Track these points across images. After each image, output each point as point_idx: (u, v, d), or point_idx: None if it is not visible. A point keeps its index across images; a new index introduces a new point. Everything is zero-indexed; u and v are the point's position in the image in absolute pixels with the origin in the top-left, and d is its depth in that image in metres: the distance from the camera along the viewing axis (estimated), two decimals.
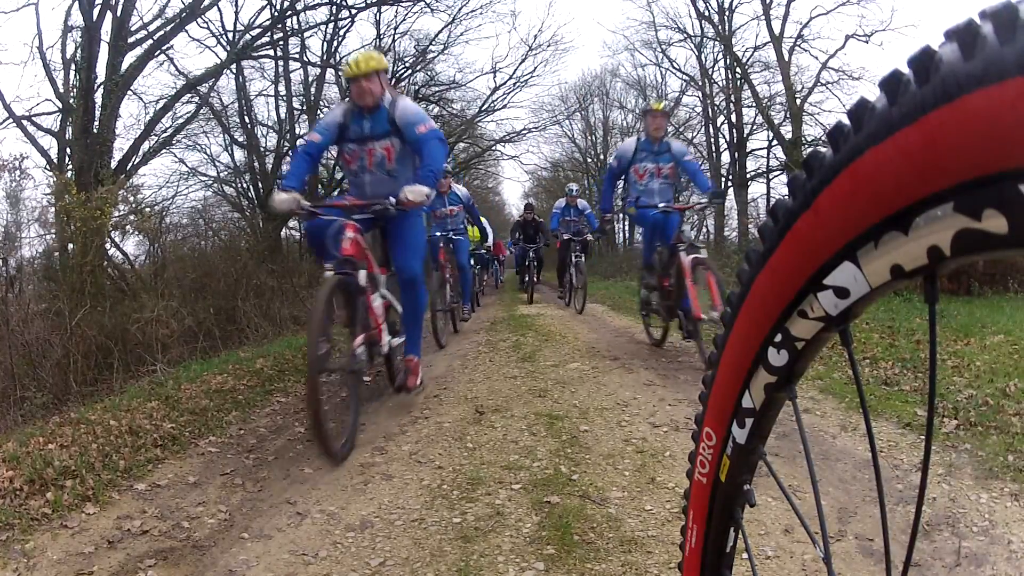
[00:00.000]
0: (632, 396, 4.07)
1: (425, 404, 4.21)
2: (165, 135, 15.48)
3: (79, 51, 12.56)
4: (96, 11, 12.42)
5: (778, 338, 0.44)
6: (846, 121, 0.36)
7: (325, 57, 19.37)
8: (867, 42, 18.66)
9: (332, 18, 18.25)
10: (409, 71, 21.56)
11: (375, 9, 19.28)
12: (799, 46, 19.92)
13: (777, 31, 19.67)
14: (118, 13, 12.64)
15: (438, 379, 5.02)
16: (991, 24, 0.28)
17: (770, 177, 23.64)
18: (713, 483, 0.54)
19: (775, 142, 21.69)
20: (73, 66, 12.77)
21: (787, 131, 20.29)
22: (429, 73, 22.04)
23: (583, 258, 10.22)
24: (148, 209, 13.75)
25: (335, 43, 19.43)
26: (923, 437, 2.97)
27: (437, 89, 22.45)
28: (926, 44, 0.31)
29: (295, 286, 13.43)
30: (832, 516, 2.26)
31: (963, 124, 0.29)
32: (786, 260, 0.41)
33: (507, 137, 24.34)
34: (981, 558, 1.98)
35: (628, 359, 5.35)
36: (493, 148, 25.47)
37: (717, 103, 23.71)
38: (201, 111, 16.69)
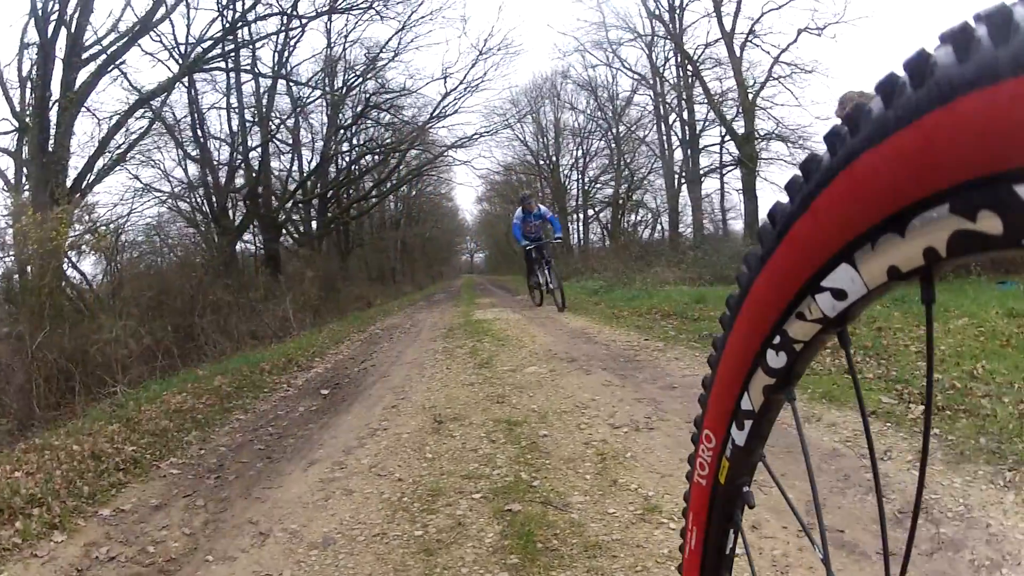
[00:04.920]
0: (591, 398, 4.10)
1: (384, 415, 4.19)
2: (119, 151, 15.24)
3: (34, 68, 12.26)
4: (51, 27, 12.17)
5: (776, 340, 0.44)
6: (842, 124, 0.37)
7: (276, 68, 19.25)
8: (820, 35, 19.20)
9: (283, 28, 18.17)
10: (360, 79, 21.54)
11: (326, 18, 19.28)
12: (751, 41, 20.44)
13: (728, 27, 20.19)
14: (72, 29, 12.40)
15: (395, 389, 5.00)
16: (985, 26, 0.29)
17: (723, 173, 24.19)
18: (712, 485, 0.55)
19: (727, 137, 22.27)
20: (29, 84, 12.45)
21: (739, 126, 20.86)
22: (380, 81, 22.17)
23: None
24: (103, 228, 13.43)
25: (286, 54, 19.35)
26: (889, 425, 3.05)
27: (388, 96, 22.56)
28: (921, 47, 0.32)
29: (251, 300, 13.26)
30: (800, 508, 2.26)
31: (958, 126, 0.30)
32: (784, 262, 0.42)
33: (459, 143, 24.52)
34: (959, 543, 1.99)
35: (585, 360, 5.39)
36: (445, 154, 25.57)
37: (669, 101, 24.21)
38: (154, 126, 16.51)
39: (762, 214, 21.53)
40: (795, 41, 19.75)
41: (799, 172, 0.40)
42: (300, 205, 22.76)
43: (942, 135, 0.30)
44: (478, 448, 3.32)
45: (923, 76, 0.31)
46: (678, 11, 21.77)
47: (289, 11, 17.54)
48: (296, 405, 4.85)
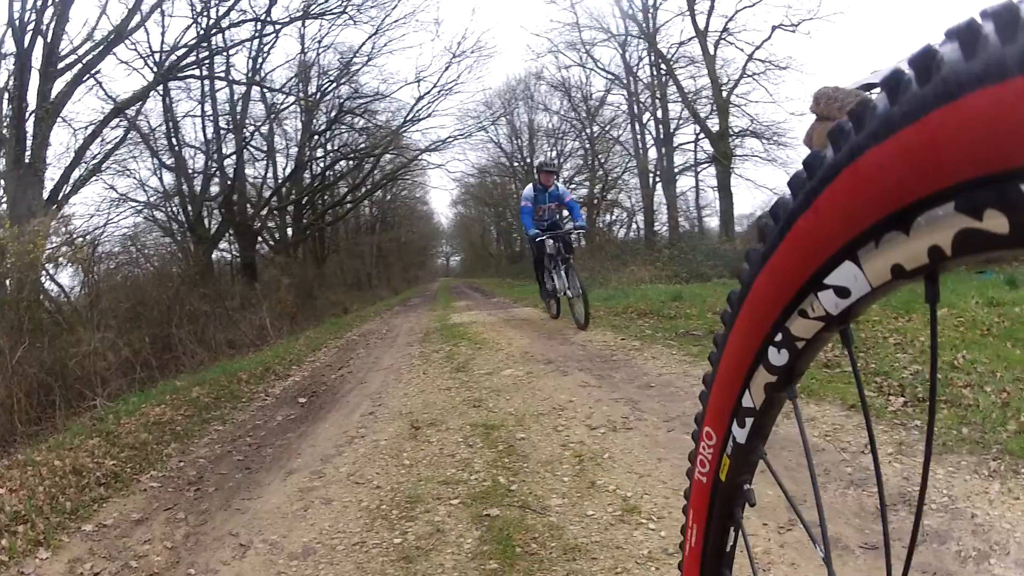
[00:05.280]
0: (568, 399, 4.11)
1: (361, 422, 4.19)
2: (94, 162, 15.14)
3: (11, 79, 12.09)
4: (27, 37, 12.03)
5: (778, 337, 0.44)
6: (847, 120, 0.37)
7: (250, 75, 19.18)
8: (794, 31, 19.45)
9: (257, 34, 18.09)
10: (334, 85, 21.50)
11: (299, 24, 19.23)
12: (725, 39, 20.65)
13: (702, 26, 20.37)
14: (48, 38, 12.26)
15: (372, 396, 5.00)
16: (992, 24, 0.29)
17: (698, 171, 24.39)
18: (713, 483, 0.55)
19: (702, 135, 22.51)
20: (6, 95, 12.27)
21: (714, 124, 21.05)
22: (353, 86, 22.11)
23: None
24: (80, 239, 13.27)
25: (260, 60, 19.27)
26: (874, 418, 3.07)
27: (362, 101, 22.49)
28: (927, 43, 0.32)
29: (228, 309, 13.15)
30: (781, 505, 2.27)
31: (964, 124, 0.29)
32: (787, 259, 0.42)
33: (432, 146, 24.61)
34: (944, 535, 2.00)
35: (562, 361, 5.41)
36: (419, 158, 25.60)
37: (643, 100, 24.31)
38: (129, 135, 16.36)
39: (738, 210, 21.40)
40: (769, 38, 20.02)
41: (802, 168, 0.40)
42: (275, 212, 22.66)
43: (948, 132, 0.30)
44: (456, 453, 3.32)
45: (929, 73, 0.31)
46: (651, 10, 21.96)
47: (263, 17, 17.48)
48: (274, 414, 4.81)
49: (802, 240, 0.40)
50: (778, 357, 0.45)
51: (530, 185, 8.36)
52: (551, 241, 7.89)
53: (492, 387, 4.69)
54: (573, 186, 31.07)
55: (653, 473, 2.76)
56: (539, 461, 3.05)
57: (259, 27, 17.85)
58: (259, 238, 21.36)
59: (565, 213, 8.50)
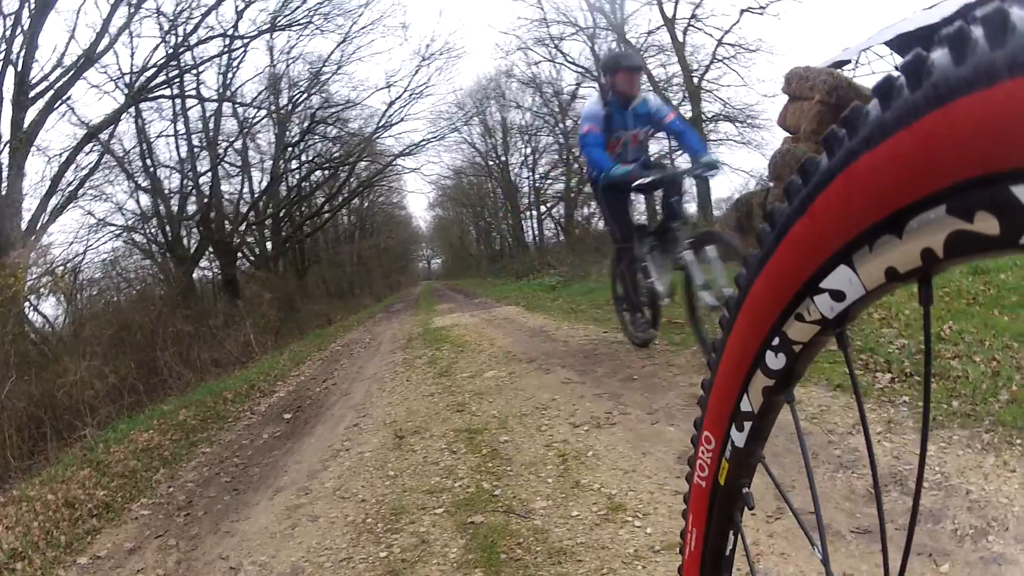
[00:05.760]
0: (551, 397, 4.10)
1: (346, 435, 4.17)
2: (70, 189, 15.03)
3: None
4: None
5: (775, 342, 0.45)
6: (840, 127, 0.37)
7: (221, 91, 19.12)
8: (762, 14, 19.68)
9: (225, 50, 18.04)
10: (305, 95, 21.49)
11: (267, 36, 19.22)
12: (693, 26, 20.81)
13: (670, 13, 20.51)
14: (19, 67, 12.14)
15: (357, 407, 4.99)
16: (981, 28, 0.29)
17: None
18: (712, 487, 0.55)
19: None
20: None
21: (686, 110, 21.04)
22: (324, 95, 22.18)
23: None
24: (61, 268, 13.16)
25: (230, 75, 19.23)
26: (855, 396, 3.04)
27: (333, 110, 22.52)
28: (918, 49, 0.32)
29: (211, 328, 13.06)
30: (769, 493, 2.22)
31: (955, 128, 0.30)
32: (782, 264, 0.42)
33: (406, 151, 24.84)
34: (939, 513, 1.95)
35: (544, 359, 5.40)
36: (393, 163, 25.68)
37: None
38: (104, 159, 16.26)
39: (715, 194, 21.62)
40: (738, 22, 20.58)
41: (797, 175, 0.40)
42: (253, 227, 22.57)
43: (939, 137, 0.31)
44: (439, 461, 3.31)
45: (920, 78, 0.32)
46: (619, 1, 22.05)
47: (230, 32, 17.46)
48: (260, 432, 4.79)
49: (797, 244, 0.40)
50: (775, 361, 0.45)
51: (595, 98, 4.82)
52: (643, 186, 4.47)
53: (475, 390, 4.68)
54: (550, 181, 31.20)
55: (638, 468, 2.75)
56: (523, 463, 3.04)
57: (227, 43, 17.84)
58: (239, 254, 21.27)
59: (654, 148, 5.22)
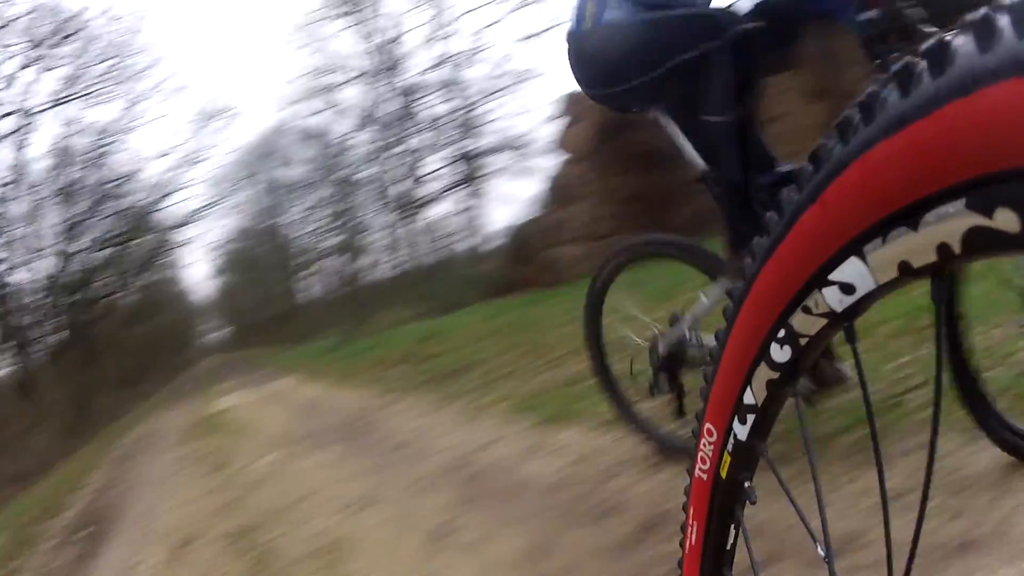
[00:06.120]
0: (321, 479, 3.91)
1: (130, 555, 3.89)
2: None
3: None
4: None
5: (781, 333, 0.43)
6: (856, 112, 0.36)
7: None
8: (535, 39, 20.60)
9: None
10: (88, 168, 21.04)
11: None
12: (469, 60, 21.28)
13: (447, 51, 21.21)
14: None
15: (140, 517, 4.75)
16: (1008, 17, 0.28)
17: (450, 195, 23.70)
18: (714, 480, 0.54)
19: (453, 159, 22.28)
20: None
21: (465, 146, 21.50)
22: (105, 168, 21.65)
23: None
24: None
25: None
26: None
27: (114, 183, 22.07)
28: (940, 35, 0.31)
29: (6, 438, 12.67)
30: (759, 484, 2.09)
31: (977, 119, 0.29)
32: (790, 254, 0.41)
33: (185, 220, 24.71)
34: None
35: (320, 434, 5.29)
36: (173, 234, 25.84)
37: (390, 134, 23.39)
38: None
39: (495, 227, 21.13)
40: (511, 53, 22.29)
41: (807, 161, 0.39)
42: (44, 316, 21.17)
43: (961, 127, 0.30)
44: (209, 574, 3.09)
45: (943, 65, 0.30)
46: (392, 44, 22.13)
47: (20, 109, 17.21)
48: (55, 557, 4.61)
49: (807, 234, 0.39)
50: (780, 353, 0.44)
51: None
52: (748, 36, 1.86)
53: (249, 482, 4.44)
54: (329, 234, 29.81)
55: (399, 550, 2.58)
56: (290, 561, 2.83)
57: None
58: (29, 349, 19.96)
59: None
